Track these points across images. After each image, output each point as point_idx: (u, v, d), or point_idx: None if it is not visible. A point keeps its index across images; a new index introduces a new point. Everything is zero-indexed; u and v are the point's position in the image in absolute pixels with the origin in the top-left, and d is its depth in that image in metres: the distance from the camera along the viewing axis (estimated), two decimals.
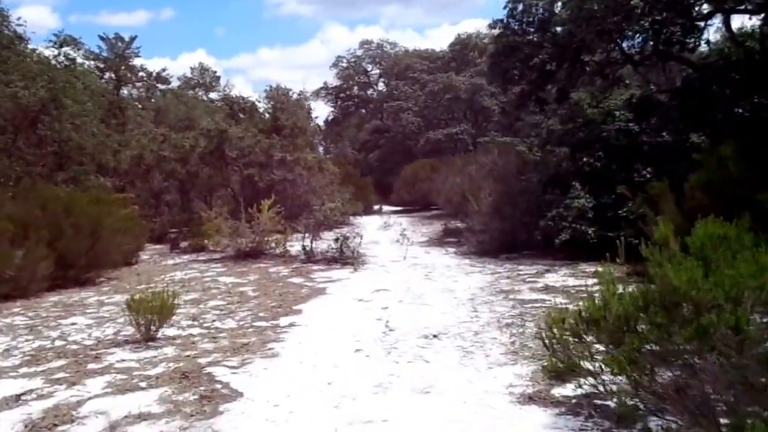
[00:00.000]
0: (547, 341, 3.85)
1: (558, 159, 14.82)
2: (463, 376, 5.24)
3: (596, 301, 3.43)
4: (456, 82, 35.45)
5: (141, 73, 46.43)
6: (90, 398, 4.99)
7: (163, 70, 46.98)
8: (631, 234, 11.50)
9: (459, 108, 37.02)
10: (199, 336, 6.86)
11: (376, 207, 29.50)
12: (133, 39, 49.51)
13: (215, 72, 49.59)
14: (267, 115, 20.13)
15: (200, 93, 47.54)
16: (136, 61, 43.87)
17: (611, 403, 4.17)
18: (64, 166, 16.97)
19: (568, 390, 4.71)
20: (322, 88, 49.38)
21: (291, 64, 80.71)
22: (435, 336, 6.62)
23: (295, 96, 20.73)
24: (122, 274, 11.46)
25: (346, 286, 9.78)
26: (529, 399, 4.66)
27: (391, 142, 40.11)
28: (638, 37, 16.51)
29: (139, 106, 36.21)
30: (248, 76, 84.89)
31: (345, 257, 11.97)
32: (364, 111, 51.83)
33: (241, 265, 12.10)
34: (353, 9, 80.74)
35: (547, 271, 10.82)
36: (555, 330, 3.74)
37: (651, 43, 15.93)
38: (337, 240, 12.21)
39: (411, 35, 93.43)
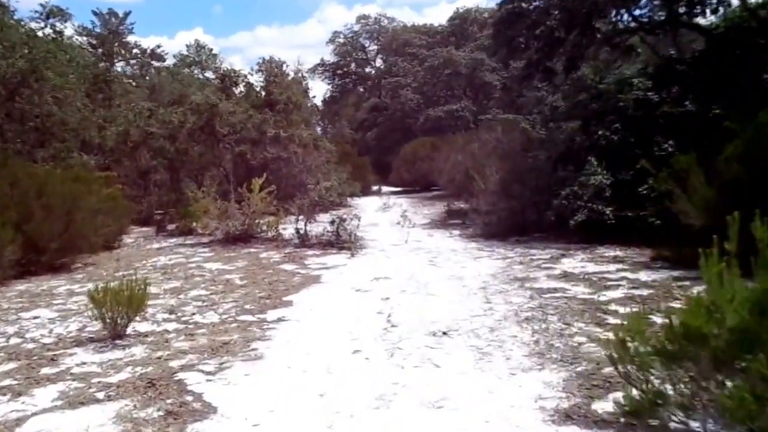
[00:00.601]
0: (619, 364, 2.94)
1: (567, 134, 13.99)
2: (481, 385, 4.39)
3: (702, 308, 2.51)
4: (456, 57, 34.34)
5: (135, 50, 45.33)
6: (34, 414, 4.15)
7: (158, 46, 45.88)
8: (653, 213, 10.77)
9: (459, 84, 35.94)
10: (175, 332, 5.99)
11: (374, 187, 28.59)
12: (126, 15, 48.16)
13: (211, 50, 48.35)
14: (263, 93, 19.08)
15: (196, 71, 46.40)
16: (130, 38, 42.89)
17: (674, 424, 3.33)
18: (46, 143, 16.03)
19: (611, 404, 3.87)
20: (318, 64, 48.09)
21: (289, 43, 79.30)
22: (444, 333, 5.77)
23: (290, 71, 19.53)
24: (101, 260, 10.58)
25: (342, 274, 8.91)
26: (566, 417, 3.80)
27: (389, 120, 39.06)
28: (652, 2, 15.60)
29: (133, 83, 35.07)
30: (246, 55, 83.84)
31: (342, 241, 11.09)
32: (362, 89, 50.64)
33: (230, 250, 11.22)
34: None
35: (563, 255, 9.96)
36: (636, 347, 2.81)
37: (663, 13, 15.01)
38: (332, 222, 11.31)
39: (408, 13, 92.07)
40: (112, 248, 11.76)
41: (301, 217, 11.78)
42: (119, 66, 45.99)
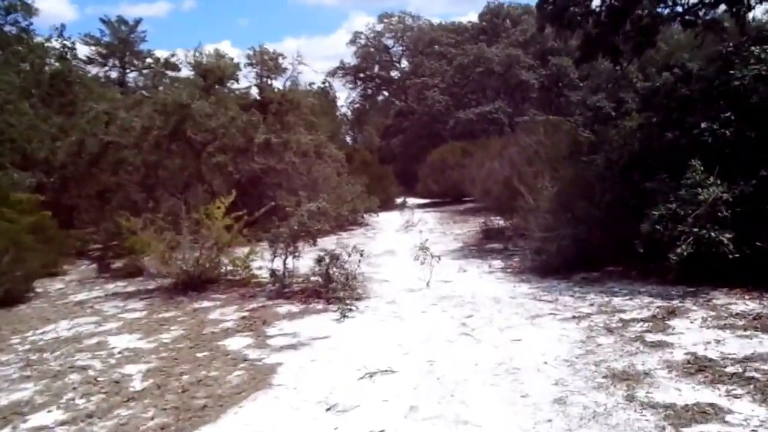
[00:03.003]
0: None
1: (625, 132, 10.77)
2: None
3: None
4: (488, 54, 30.68)
5: (148, 59, 42.62)
6: None
7: (172, 55, 43.26)
8: None
9: (492, 84, 32.26)
10: None
11: (398, 200, 25.00)
12: (138, 22, 45.70)
13: (232, 58, 45.43)
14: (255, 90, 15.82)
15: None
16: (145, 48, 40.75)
17: None
18: None
19: None
20: (338, 68, 44.64)
21: (317, 54, 77.03)
22: None
23: (287, 63, 16.02)
24: None
25: (315, 361, 5.39)
26: None
27: (415, 126, 35.49)
28: None
29: (145, 94, 32.24)
30: None
31: (333, 289, 7.59)
32: (386, 93, 47.18)
33: (173, 305, 7.83)
34: None
35: (670, 312, 6.37)
36: None
37: None
38: (320, 261, 7.82)
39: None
40: (16, 302, 8.46)
41: (279, 251, 8.35)
42: (131, 76, 43.57)
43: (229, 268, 8.79)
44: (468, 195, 22.36)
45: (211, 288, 8.47)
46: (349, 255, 7.96)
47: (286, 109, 14.76)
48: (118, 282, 9.68)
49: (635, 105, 18.19)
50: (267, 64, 15.38)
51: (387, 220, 19.30)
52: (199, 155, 14.18)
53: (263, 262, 9.00)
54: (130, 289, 9.09)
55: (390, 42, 45.45)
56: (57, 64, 19.34)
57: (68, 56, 18.13)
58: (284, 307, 7.37)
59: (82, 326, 6.99)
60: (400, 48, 45.69)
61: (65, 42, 18.91)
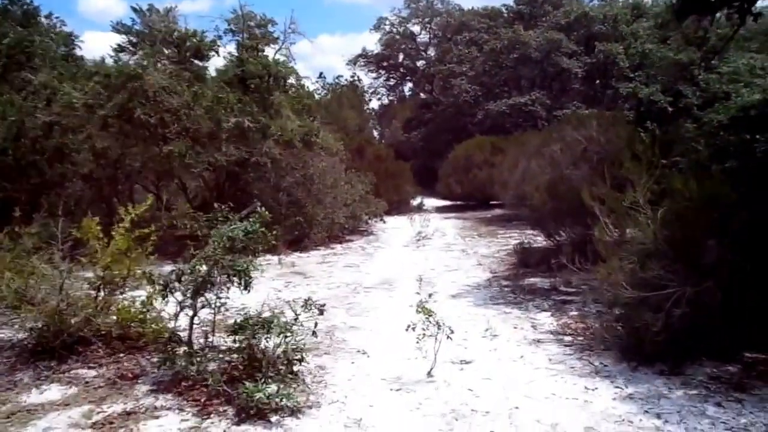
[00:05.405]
0: None
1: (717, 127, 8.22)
2: None
3: None
4: (525, 38, 27.11)
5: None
6: None
7: (200, 41, 40.67)
8: None
9: (528, 73, 28.68)
10: None
11: (415, 202, 21.67)
12: (169, 10, 43.11)
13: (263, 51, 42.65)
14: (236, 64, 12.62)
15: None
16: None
17: None
18: None
19: None
20: (360, 55, 41.15)
21: (352, 51, 76.25)
22: None
23: (273, 28, 12.58)
24: None
25: None
26: None
27: (439, 118, 32.07)
28: None
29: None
30: (309, 63, 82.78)
31: (251, 391, 4.28)
32: (411, 83, 43.75)
33: (13, 389, 4.68)
34: None
35: None
36: None
37: None
38: (237, 331, 4.48)
39: None
40: None
41: (187, 305, 5.11)
42: (161, 65, 41.28)
43: (121, 317, 5.59)
44: (497, 199, 19.02)
45: (85, 351, 5.29)
46: (297, 315, 4.68)
47: (269, 87, 11.53)
48: None
49: (695, 99, 15.34)
50: (251, 31, 12.14)
51: (397, 227, 16.01)
52: (164, 142, 11.06)
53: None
54: (6, 353, 5.90)
55: (416, 29, 41.91)
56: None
57: (30, 24, 15.08)
58: (163, 420, 4.12)
59: None
60: (427, 36, 42.13)
61: (27, 7, 15.82)
